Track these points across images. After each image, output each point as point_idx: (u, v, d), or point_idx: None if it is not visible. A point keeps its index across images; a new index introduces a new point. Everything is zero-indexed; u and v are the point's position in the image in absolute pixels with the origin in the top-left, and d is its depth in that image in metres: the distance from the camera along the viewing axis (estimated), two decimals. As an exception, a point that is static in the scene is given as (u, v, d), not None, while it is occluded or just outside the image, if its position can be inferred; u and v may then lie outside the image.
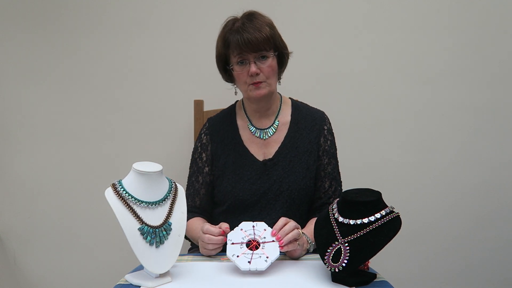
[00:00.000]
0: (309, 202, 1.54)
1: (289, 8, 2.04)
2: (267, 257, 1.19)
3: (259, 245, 1.22)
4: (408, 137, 2.09)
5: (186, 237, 1.55)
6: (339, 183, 1.59)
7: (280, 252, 1.22)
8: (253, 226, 1.26)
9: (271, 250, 1.21)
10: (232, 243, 1.23)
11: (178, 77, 2.08)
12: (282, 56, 1.53)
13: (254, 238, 1.24)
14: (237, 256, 1.20)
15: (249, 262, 1.18)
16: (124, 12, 2.07)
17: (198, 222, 1.50)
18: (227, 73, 1.55)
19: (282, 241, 1.22)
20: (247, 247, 1.22)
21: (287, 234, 1.23)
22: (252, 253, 1.20)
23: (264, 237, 1.24)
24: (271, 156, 1.53)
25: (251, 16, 1.49)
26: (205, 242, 1.32)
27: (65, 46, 2.09)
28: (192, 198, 1.58)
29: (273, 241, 1.23)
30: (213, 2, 2.04)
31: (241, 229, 1.26)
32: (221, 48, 1.51)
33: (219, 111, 1.69)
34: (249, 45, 1.42)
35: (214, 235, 1.31)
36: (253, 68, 1.44)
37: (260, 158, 1.54)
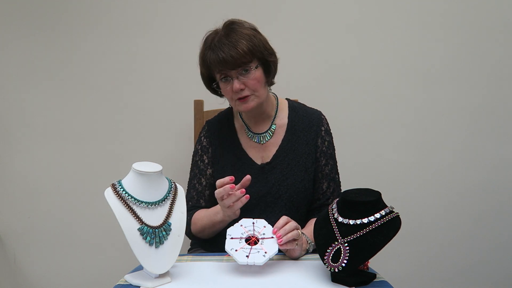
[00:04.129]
0: (308, 204, 1.54)
1: (287, 7, 2.03)
2: (265, 252, 1.19)
3: (258, 241, 1.23)
4: (407, 137, 2.09)
5: (191, 235, 1.54)
6: (338, 184, 1.58)
7: (279, 249, 1.23)
8: (253, 223, 1.27)
9: (270, 246, 1.21)
10: (232, 238, 1.23)
11: (178, 77, 2.08)
12: (267, 65, 1.49)
13: (254, 234, 1.24)
14: (236, 250, 1.20)
15: (247, 256, 1.19)
16: (124, 13, 2.07)
17: (205, 210, 1.50)
18: (213, 90, 1.55)
19: (281, 239, 1.22)
20: (246, 242, 1.23)
21: (287, 233, 1.23)
22: (251, 248, 1.21)
23: (264, 234, 1.24)
24: (269, 160, 1.53)
25: (229, 29, 1.44)
26: (219, 199, 1.32)
27: (65, 47, 2.09)
28: (196, 200, 1.56)
29: (272, 237, 1.23)
30: (213, 2, 2.04)
31: (241, 225, 1.26)
32: (202, 68, 1.50)
33: (217, 113, 1.68)
34: (225, 63, 1.40)
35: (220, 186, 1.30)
36: (236, 85, 1.42)
37: (258, 161, 1.54)
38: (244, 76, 1.42)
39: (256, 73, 1.44)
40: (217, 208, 1.40)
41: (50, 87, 2.12)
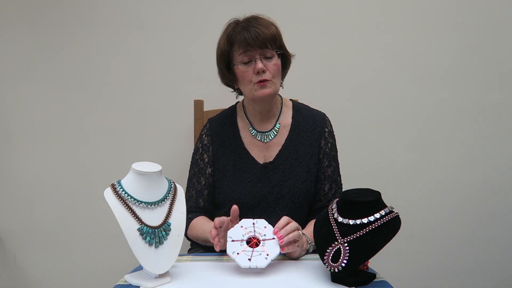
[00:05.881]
0: (309, 205, 1.53)
1: (290, 8, 2.04)
2: (267, 255, 1.19)
3: (259, 243, 1.22)
4: (408, 137, 2.08)
5: (188, 237, 1.55)
6: (339, 185, 1.58)
7: (280, 251, 1.22)
8: (253, 224, 1.26)
9: (271, 248, 1.21)
10: (233, 240, 1.23)
11: (178, 77, 2.08)
12: (285, 58, 1.53)
13: (254, 235, 1.24)
14: (237, 254, 1.20)
15: (249, 259, 1.18)
16: (124, 12, 2.07)
17: (203, 222, 1.50)
18: (230, 73, 1.52)
19: (282, 240, 1.21)
20: (247, 244, 1.22)
21: (288, 233, 1.23)
22: (252, 251, 1.21)
23: (265, 235, 1.24)
24: (271, 159, 1.52)
25: (255, 17, 1.48)
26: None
27: (64, 46, 2.09)
28: (195, 200, 1.56)
29: (273, 238, 1.23)
30: (214, 2, 2.04)
31: (241, 226, 1.26)
32: (224, 46, 1.48)
33: (220, 112, 1.67)
34: (256, 40, 1.42)
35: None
36: (259, 65, 1.43)
37: (261, 161, 1.53)
38: (266, 60, 1.45)
39: (277, 61, 1.48)
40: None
41: (50, 87, 2.12)
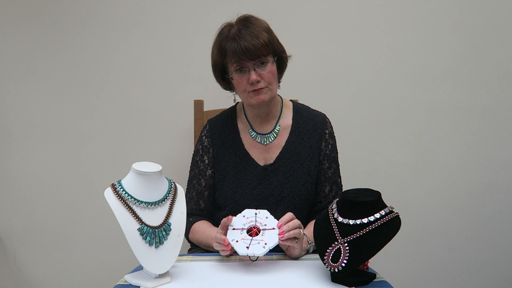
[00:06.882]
0: (310, 207, 1.54)
1: (289, 9, 2.04)
2: (265, 244, 1.20)
3: (259, 232, 1.23)
4: (408, 137, 2.08)
5: (188, 240, 1.55)
6: (340, 187, 1.57)
7: (279, 248, 1.23)
8: (256, 214, 1.28)
9: (270, 237, 1.22)
10: (234, 229, 1.24)
11: (178, 77, 2.08)
12: (281, 60, 1.51)
13: (255, 225, 1.25)
14: (236, 241, 1.21)
15: (247, 247, 1.20)
16: (125, 13, 2.07)
17: (205, 226, 1.49)
18: (225, 82, 1.53)
19: (283, 235, 1.22)
20: (247, 233, 1.23)
21: (290, 229, 1.24)
22: (251, 239, 1.22)
23: (265, 225, 1.25)
24: (272, 161, 1.52)
25: (246, 22, 1.44)
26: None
27: (64, 46, 2.09)
28: (196, 201, 1.56)
29: (273, 228, 1.24)
30: (213, 2, 2.04)
31: (244, 216, 1.27)
32: (217, 57, 1.47)
33: (219, 112, 1.67)
34: (247, 53, 1.39)
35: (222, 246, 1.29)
36: (253, 76, 1.41)
37: (261, 163, 1.53)
38: (260, 68, 1.43)
39: (272, 67, 1.45)
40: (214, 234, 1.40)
41: (50, 87, 2.12)
